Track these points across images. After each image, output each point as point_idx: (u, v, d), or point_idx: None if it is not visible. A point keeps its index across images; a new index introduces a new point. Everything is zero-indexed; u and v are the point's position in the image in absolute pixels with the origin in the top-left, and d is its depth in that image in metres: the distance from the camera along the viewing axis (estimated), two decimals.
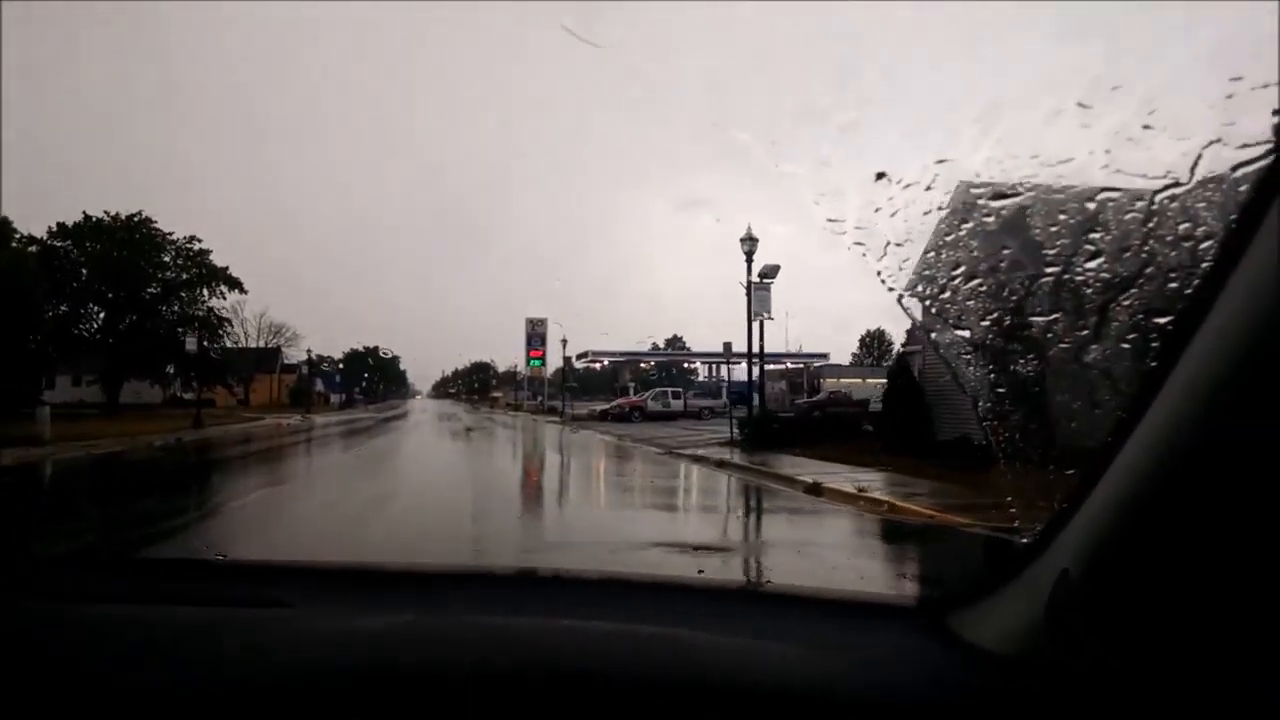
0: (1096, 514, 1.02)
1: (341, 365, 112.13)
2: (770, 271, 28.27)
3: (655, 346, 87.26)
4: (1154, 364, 0.94)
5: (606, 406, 56.78)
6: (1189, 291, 0.92)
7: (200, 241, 54.85)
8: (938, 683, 1.23)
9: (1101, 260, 1.32)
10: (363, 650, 1.31)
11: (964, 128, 1.87)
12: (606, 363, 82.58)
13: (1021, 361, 1.52)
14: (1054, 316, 1.48)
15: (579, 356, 77.92)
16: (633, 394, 67.25)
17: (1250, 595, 0.82)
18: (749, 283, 27.75)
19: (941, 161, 2.01)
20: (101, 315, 52.10)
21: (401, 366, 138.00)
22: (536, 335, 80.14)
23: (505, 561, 8.19)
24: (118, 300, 51.43)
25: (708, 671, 1.25)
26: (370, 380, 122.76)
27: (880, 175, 1.97)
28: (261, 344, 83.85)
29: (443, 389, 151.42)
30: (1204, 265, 0.90)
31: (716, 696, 1.19)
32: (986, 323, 1.62)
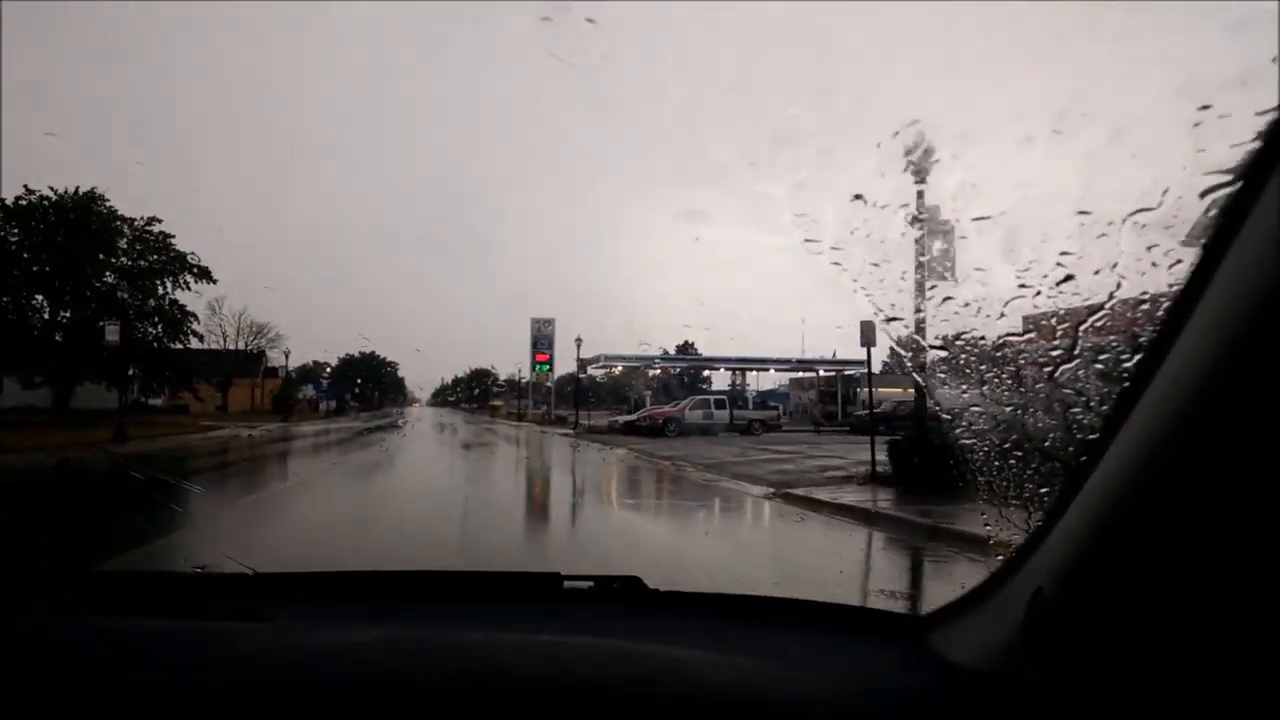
0: (1071, 531, 1.03)
1: (328, 370, 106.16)
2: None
3: (665, 353, 77.35)
4: (1126, 384, 0.96)
5: (631, 417, 45.04)
6: (1159, 314, 0.94)
7: (160, 223, 45.76)
8: (916, 699, 1.24)
9: (1073, 282, 1.35)
10: (343, 665, 1.29)
11: (939, 150, 1.90)
12: (619, 369, 70.75)
13: (996, 380, 1.54)
14: (1027, 337, 1.50)
15: (589, 362, 66.54)
16: (648, 403, 57.89)
17: (1219, 608, 0.83)
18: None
19: (918, 185, 2.04)
20: (47, 308, 43.87)
21: (400, 373, 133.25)
22: (543, 337, 72.03)
23: None
24: (65, 291, 43.27)
25: (694, 687, 1.25)
26: (364, 387, 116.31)
27: (857, 197, 2.00)
28: (241, 345, 75.03)
29: (441, 396, 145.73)
30: (1173, 288, 0.92)
31: (704, 710, 1.19)
32: (961, 342, 1.64)
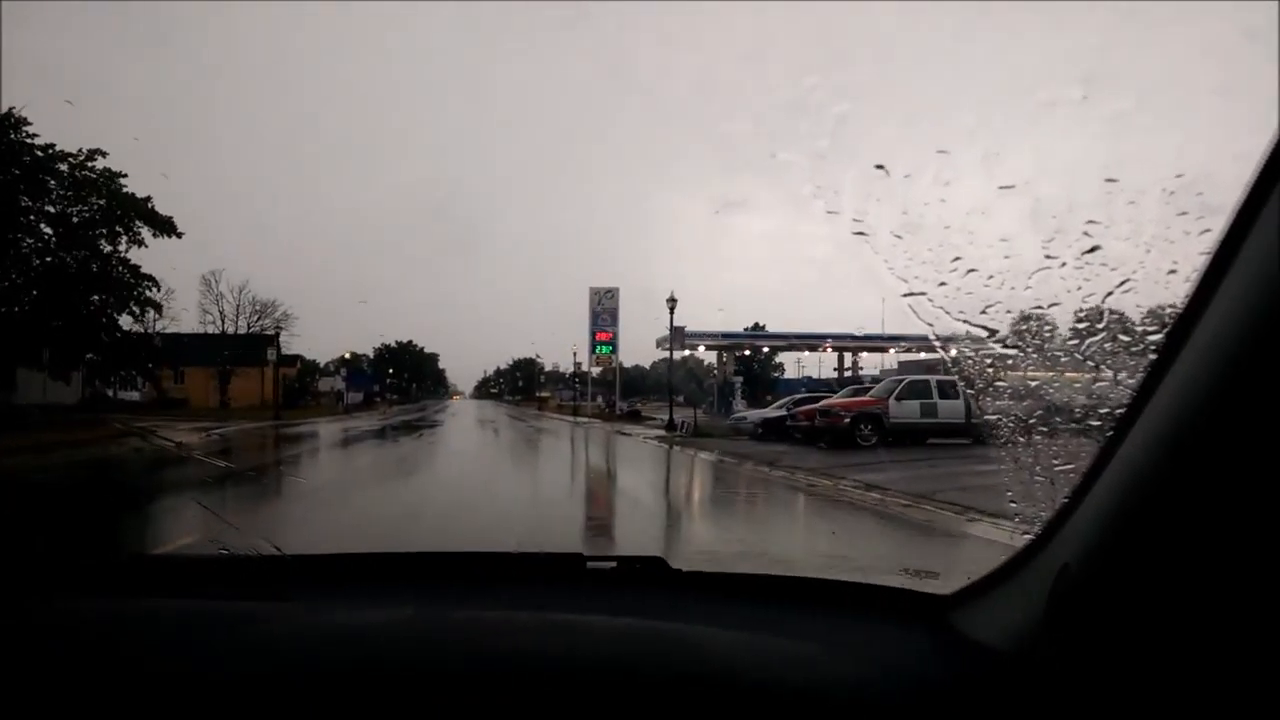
0: (1097, 509, 1.01)
1: (366, 362, 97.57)
2: None
3: (758, 327, 62.34)
4: (1154, 357, 0.93)
5: (772, 412, 29.61)
6: (1188, 284, 0.91)
7: (104, 156, 32.42)
8: (939, 679, 1.23)
9: (1100, 251, 1.32)
10: (363, 644, 1.30)
11: (960, 118, 1.86)
12: (703, 348, 53.38)
13: (1022, 356, 1.51)
14: (1053, 308, 1.47)
15: (658, 343, 51.03)
16: (739, 393, 43.96)
17: (1252, 589, 0.81)
18: None
19: (940, 152, 2.00)
20: None
21: (440, 365, 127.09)
22: (605, 312, 57.33)
23: None
24: None
25: (711, 666, 1.24)
26: (401, 378, 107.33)
27: (878, 167, 1.96)
28: (244, 325, 60.53)
29: (484, 389, 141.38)
30: (1203, 256, 0.90)
31: (720, 690, 1.19)
32: (986, 315, 1.61)
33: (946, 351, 1.71)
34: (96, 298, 33.70)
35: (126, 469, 19.48)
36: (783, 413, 27.93)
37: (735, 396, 45.82)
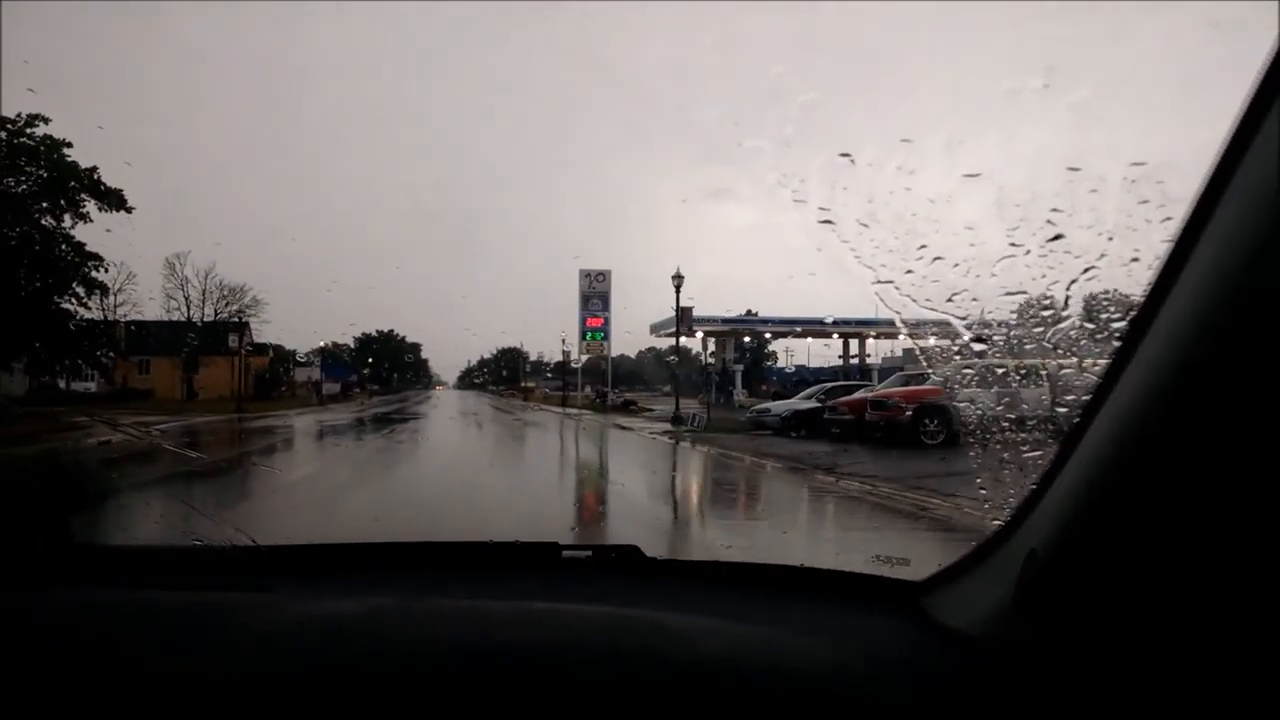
0: (1064, 494, 1.02)
1: (348, 352, 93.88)
2: None
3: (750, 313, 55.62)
4: (1118, 344, 0.94)
5: (806, 405, 25.20)
6: (1151, 271, 0.92)
7: (47, 123, 29.23)
8: (914, 665, 1.24)
9: (1064, 240, 1.33)
10: (342, 633, 1.29)
11: (925, 107, 1.87)
12: (700, 334, 47.73)
13: (988, 343, 1.53)
14: (1019, 296, 1.49)
15: (653, 329, 50.37)
16: (739, 381, 42.99)
17: (1213, 570, 0.82)
18: None
19: (905, 141, 2.01)
20: None
21: (424, 355, 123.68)
22: (596, 296, 52.73)
23: None
24: None
25: (685, 652, 1.24)
26: (380, 368, 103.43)
27: (844, 155, 1.97)
28: (211, 312, 54.84)
29: (468, 379, 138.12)
30: (1165, 244, 0.91)
31: (695, 676, 1.19)
32: (952, 304, 1.62)
33: (915, 340, 1.73)
34: (36, 278, 29.77)
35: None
36: (815, 404, 24.18)
37: (736, 386, 43.76)
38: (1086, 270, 1.25)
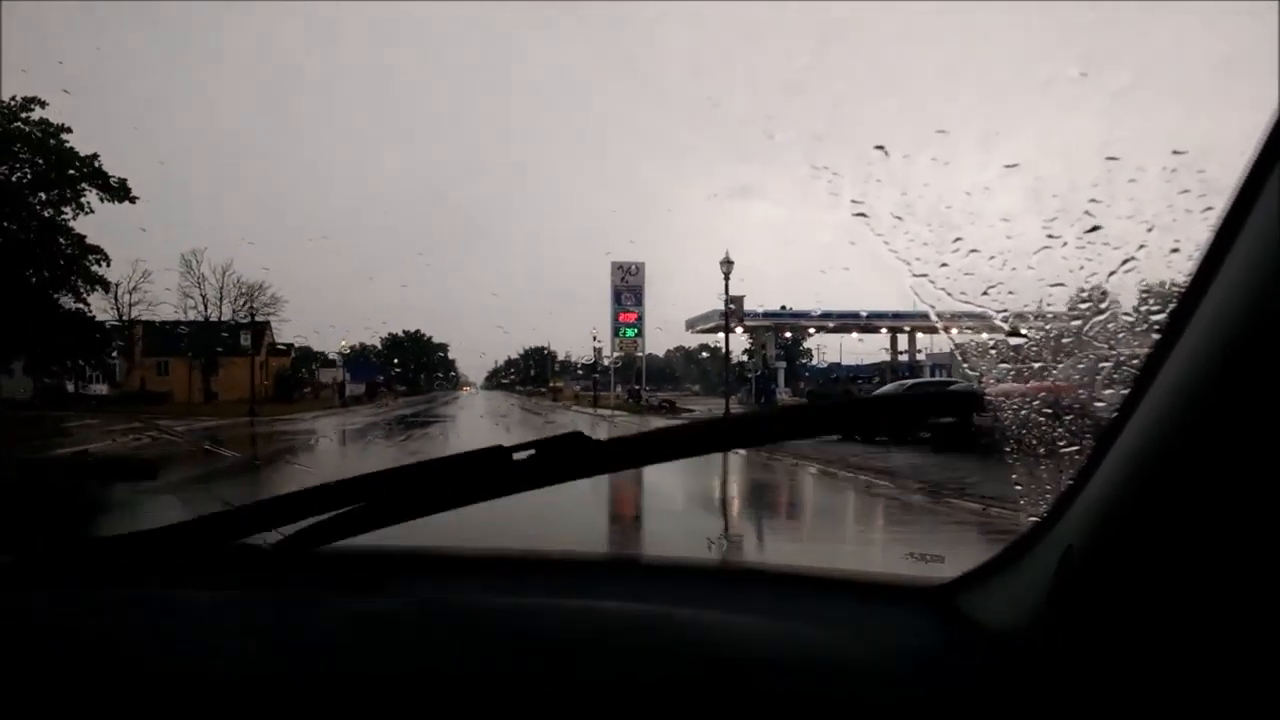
0: (1101, 490, 1.01)
1: (346, 349, 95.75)
2: None
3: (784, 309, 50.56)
4: (1157, 337, 0.93)
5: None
6: (1191, 262, 0.90)
7: (44, 106, 26.96)
8: (944, 663, 1.23)
9: (1102, 231, 1.31)
10: (355, 632, 1.30)
11: (961, 96, 1.85)
12: (739, 330, 41.85)
13: (1025, 336, 1.51)
14: (1056, 288, 1.46)
15: (689, 324, 47.28)
16: (781, 381, 38.22)
17: (1258, 570, 0.81)
18: None
19: (940, 132, 1.99)
20: None
21: (451, 355, 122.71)
22: (628, 290, 49.37)
23: None
24: None
25: (718, 649, 1.25)
26: (407, 369, 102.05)
27: (878, 147, 1.95)
28: (230, 312, 51.81)
29: (495, 379, 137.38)
30: (1206, 234, 0.89)
31: (723, 670, 1.19)
32: (987, 297, 1.60)
33: (949, 334, 1.71)
34: (32, 272, 27.41)
35: None
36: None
37: (778, 384, 39.94)
38: (1125, 262, 1.23)
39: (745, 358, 49.13)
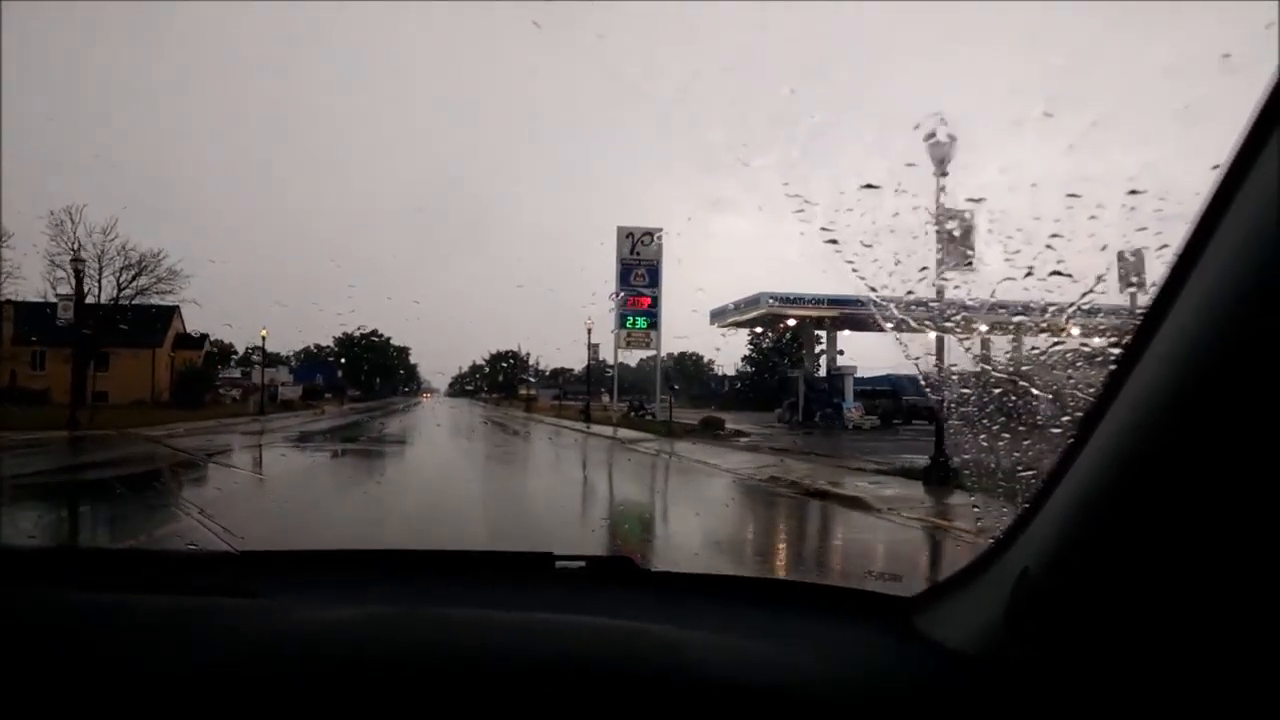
0: (1057, 513, 1.03)
1: (331, 356, 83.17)
2: None
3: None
4: (1115, 367, 0.96)
5: None
6: (1147, 297, 0.94)
7: None
8: (902, 680, 1.24)
9: (1063, 264, 1.35)
10: (328, 640, 1.29)
11: (929, 132, 1.90)
12: (788, 320, 35.23)
13: (987, 365, 1.54)
14: (1018, 320, 1.51)
15: (713, 316, 36.44)
16: (849, 393, 30.44)
17: (1206, 591, 0.84)
18: None
19: (909, 165, 2.04)
20: None
21: (414, 360, 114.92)
22: (641, 263, 35.76)
23: None
24: None
25: (675, 664, 1.25)
26: (360, 372, 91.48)
27: (867, 186, 1.99)
28: (112, 286, 36.75)
29: (460, 386, 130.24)
30: (1161, 269, 0.93)
31: (685, 688, 1.20)
32: (950, 324, 1.64)
33: (913, 360, 1.74)
34: None
35: None
36: None
37: (846, 399, 29.30)
38: (1085, 294, 1.27)
39: (745, 365, 40.69)
